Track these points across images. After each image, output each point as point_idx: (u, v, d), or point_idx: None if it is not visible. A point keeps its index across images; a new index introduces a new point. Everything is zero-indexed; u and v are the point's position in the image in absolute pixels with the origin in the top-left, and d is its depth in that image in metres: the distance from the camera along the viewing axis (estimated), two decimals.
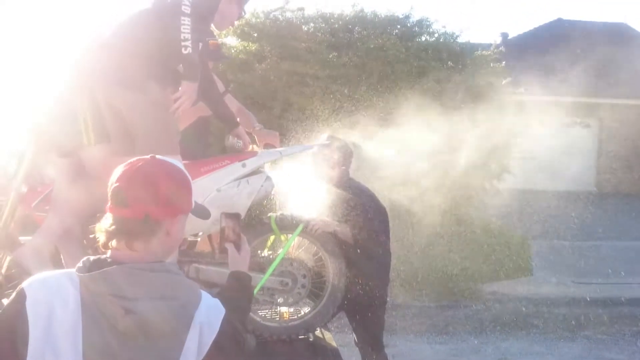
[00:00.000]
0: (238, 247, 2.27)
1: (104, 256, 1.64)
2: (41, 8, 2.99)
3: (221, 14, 3.14)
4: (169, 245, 1.70)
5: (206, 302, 1.68)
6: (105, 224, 1.64)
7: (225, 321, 1.70)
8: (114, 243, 1.63)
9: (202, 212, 1.88)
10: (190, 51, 2.77)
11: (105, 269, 1.57)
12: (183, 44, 2.75)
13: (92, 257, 1.62)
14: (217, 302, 1.73)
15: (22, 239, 3.28)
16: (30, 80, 3.03)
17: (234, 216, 2.37)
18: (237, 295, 2.06)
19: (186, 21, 2.74)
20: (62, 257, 3.07)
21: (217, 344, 1.65)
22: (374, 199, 3.92)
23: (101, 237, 1.64)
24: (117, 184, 1.64)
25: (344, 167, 3.88)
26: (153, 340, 1.57)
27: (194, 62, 2.86)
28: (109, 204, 1.65)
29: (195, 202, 1.80)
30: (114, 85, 2.91)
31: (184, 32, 2.74)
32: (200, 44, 3.01)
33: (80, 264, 1.60)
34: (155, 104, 2.93)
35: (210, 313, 1.67)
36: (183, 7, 2.73)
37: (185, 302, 1.63)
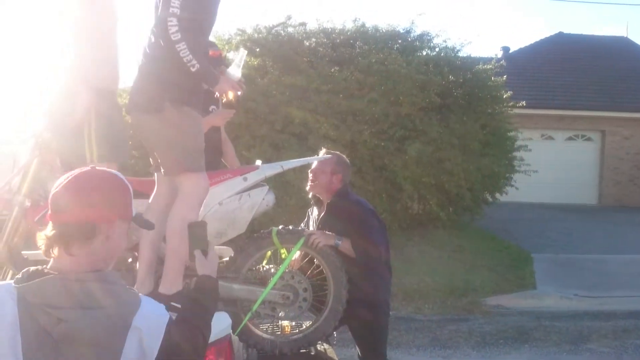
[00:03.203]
0: (205, 253, 2.37)
1: (42, 267, 1.72)
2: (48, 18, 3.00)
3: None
4: (110, 250, 1.77)
5: (147, 308, 1.75)
6: (45, 231, 1.72)
7: (173, 325, 1.78)
8: (55, 251, 1.70)
9: (146, 224, 1.95)
10: (198, 66, 2.88)
11: (40, 279, 1.64)
12: (189, 64, 2.86)
13: (32, 268, 1.70)
14: (160, 307, 1.81)
15: (25, 253, 3.30)
16: (37, 95, 3.06)
17: (201, 224, 2.55)
18: (202, 297, 2.13)
19: (181, 46, 2.83)
20: None
21: (166, 349, 1.73)
22: (374, 213, 3.94)
23: (42, 245, 1.72)
24: (55, 191, 1.73)
25: (343, 180, 3.91)
26: (89, 348, 1.63)
27: (205, 72, 2.97)
28: (49, 211, 1.73)
29: (138, 213, 1.88)
30: (134, 110, 3.00)
31: (184, 56, 2.84)
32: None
33: (19, 275, 1.68)
34: (170, 124, 2.99)
35: (151, 319, 1.74)
36: (172, 36, 2.82)
37: (120, 310, 1.69)
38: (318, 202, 4.04)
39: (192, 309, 2.04)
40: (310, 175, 3.94)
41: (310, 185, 3.94)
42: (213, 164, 3.79)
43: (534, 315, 7.69)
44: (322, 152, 3.97)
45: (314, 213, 4.06)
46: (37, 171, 3.16)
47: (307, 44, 10.98)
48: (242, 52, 3.56)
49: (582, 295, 8.49)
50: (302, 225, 4.12)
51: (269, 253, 3.62)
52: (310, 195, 4.08)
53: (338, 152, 4.09)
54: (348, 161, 4.06)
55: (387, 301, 3.95)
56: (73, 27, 2.85)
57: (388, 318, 3.97)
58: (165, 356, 1.73)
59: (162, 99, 2.96)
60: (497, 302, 8.21)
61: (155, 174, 3.18)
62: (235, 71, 3.42)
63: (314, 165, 3.94)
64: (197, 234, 2.51)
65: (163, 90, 2.97)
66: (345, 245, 3.59)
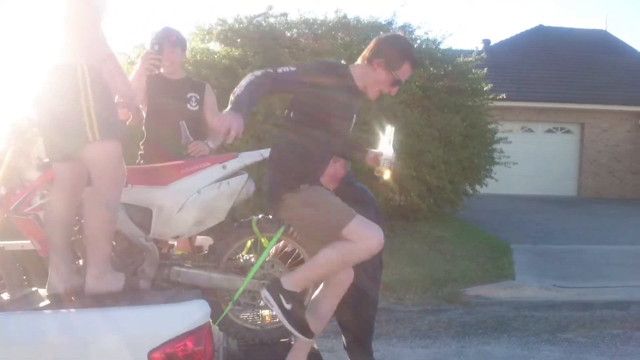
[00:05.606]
0: None
1: None
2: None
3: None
4: None
5: None
6: None
7: None
8: None
9: None
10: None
11: None
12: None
13: None
14: None
15: (0, 243, 3.26)
16: (18, 84, 3.00)
17: None
18: None
19: None
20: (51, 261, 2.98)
21: None
22: (373, 203, 3.96)
23: None
24: None
25: (346, 167, 3.94)
26: None
27: None
28: None
29: None
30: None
31: None
32: None
33: None
34: (304, 204, 3.07)
35: None
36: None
37: None
38: None
39: None
40: None
41: None
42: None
43: (513, 305, 7.76)
44: None
45: None
46: (13, 159, 3.11)
47: (289, 34, 10.93)
48: (390, 129, 3.55)
49: (561, 285, 8.59)
50: None
51: (249, 242, 3.60)
52: None
53: None
54: None
55: (376, 293, 3.97)
56: (66, 21, 2.77)
57: (376, 311, 3.99)
58: None
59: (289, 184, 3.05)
60: (477, 292, 8.27)
61: None
62: (387, 150, 3.43)
63: None
64: None
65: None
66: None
